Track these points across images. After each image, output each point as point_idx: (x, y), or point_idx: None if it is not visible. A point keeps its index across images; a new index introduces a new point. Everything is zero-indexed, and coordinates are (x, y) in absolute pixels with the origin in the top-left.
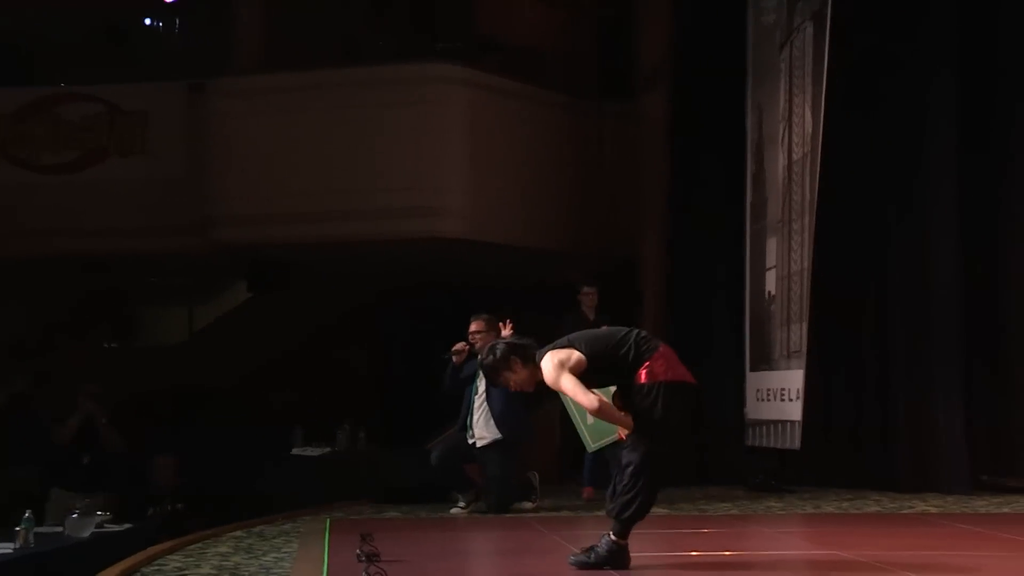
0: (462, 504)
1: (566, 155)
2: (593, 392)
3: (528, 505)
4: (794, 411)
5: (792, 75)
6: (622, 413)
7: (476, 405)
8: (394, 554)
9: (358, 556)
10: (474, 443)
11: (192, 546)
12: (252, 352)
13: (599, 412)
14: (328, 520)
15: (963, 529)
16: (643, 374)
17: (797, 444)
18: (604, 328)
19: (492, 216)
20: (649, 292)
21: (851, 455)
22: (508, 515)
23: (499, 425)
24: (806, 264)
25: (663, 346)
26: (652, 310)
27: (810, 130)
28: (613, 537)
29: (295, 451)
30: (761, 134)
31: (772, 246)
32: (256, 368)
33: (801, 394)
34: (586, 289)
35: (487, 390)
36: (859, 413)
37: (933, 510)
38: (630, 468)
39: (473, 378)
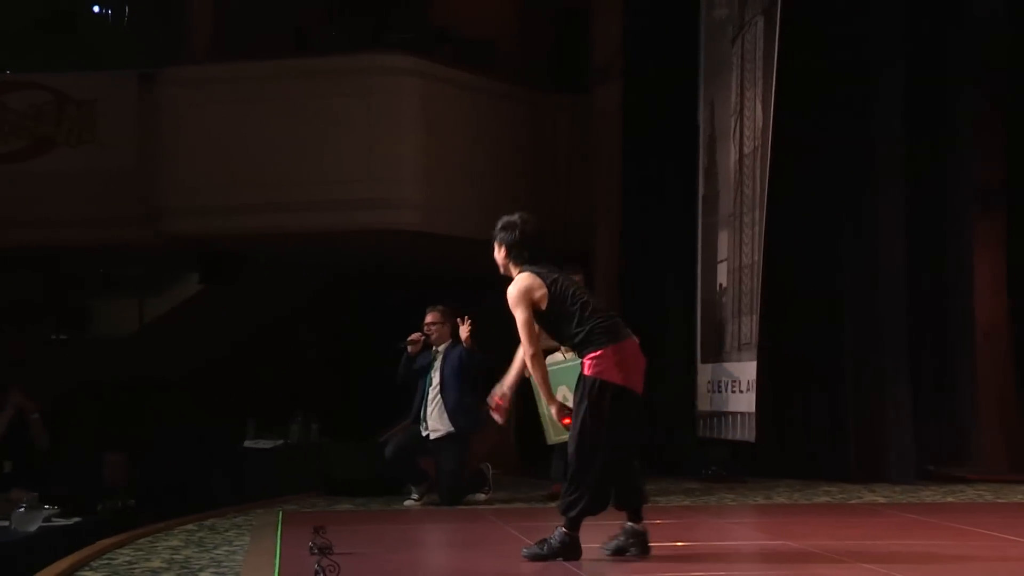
0: (415, 496)
1: (520, 147)
2: (536, 341)
3: (481, 497)
4: (747, 403)
5: (743, 69)
6: (551, 397)
7: (430, 398)
8: (347, 546)
9: (311, 549)
10: (427, 435)
11: (142, 539)
12: (204, 344)
13: (530, 360)
14: (281, 513)
15: (910, 518)
16: (587, 365)
17: (752, 436)
18: (588, 296)
19: (446, 207)
20: (601, 284)
21: (801, 447)
22: (462, 507)
23: (453, 418)
24: (756, 257)
25: (615, 345)
26: (604, 302)
27: (761, 124)
28: (564, 529)
29: (247, 443)
30: (713, 128)
31: (724, 239)
32: (208, 360)
33: (753, 386)
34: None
35: (441, 383)
36: (809, 405)
37: (881, 500)
38: (571, 468)
39: (427, 370)
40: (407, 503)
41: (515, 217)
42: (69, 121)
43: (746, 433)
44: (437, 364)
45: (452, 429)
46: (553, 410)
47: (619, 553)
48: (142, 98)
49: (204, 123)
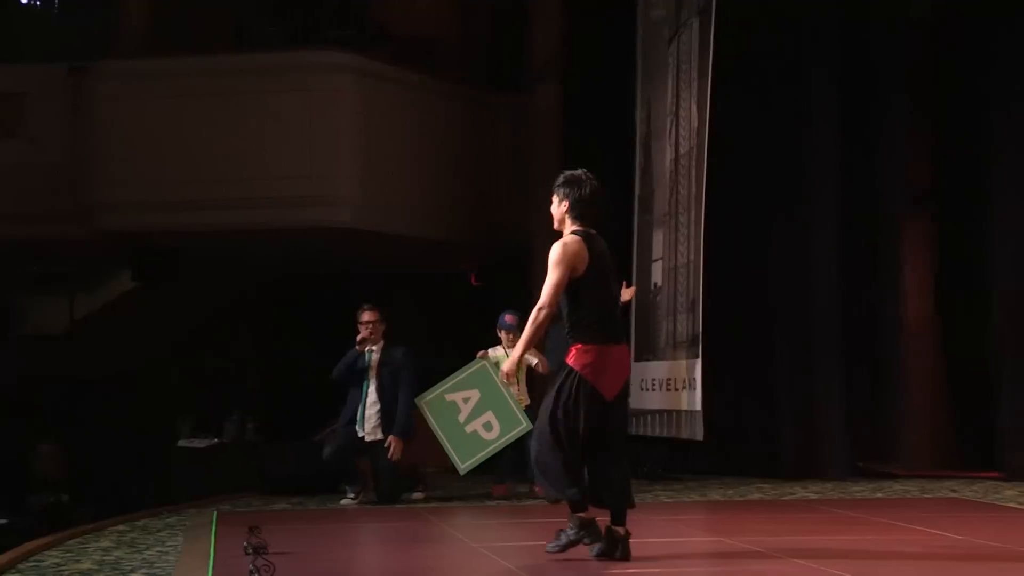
0: (352, 495)
1: (459, 146)
2: (554, 301)
3: (417, 495)
4: (688, 400)
5: (679, 70)
6: (541, 356)
7: (369, 401)
8: (282, 546)
9: (245, 548)
10: (363, 437)
11: (71, 541)
12: (137, 343)
13: (538, 317)
14: (215, 512)
15: (840, 514)
16: (573, 352)
17: (699, 434)
18: (605, 289)
19: (384, 206)
20: (539, 283)
21: (736, 445)
22: (398, 505)
23: (390, 421)
24: (691, 257)
25: (607, 347)
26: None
27: (696, 125)
28: (576, 514)
29: (181, 443)
30: (649, 128)
31: (659, 238)
32: (141, 359)
33: (696, 384)
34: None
35: (379, 385)
36: (743, 404)
37: (813, 496)
38: (535, 455)
39: (365, 372)
40: (343, 502)
41: (579, 172)
42: None
43: (692, 431)
44: (373, 365)
45: (390, 431)
46: (510, 365)
47: (566, 549)
48: (73, 92)
49: (138, 118)
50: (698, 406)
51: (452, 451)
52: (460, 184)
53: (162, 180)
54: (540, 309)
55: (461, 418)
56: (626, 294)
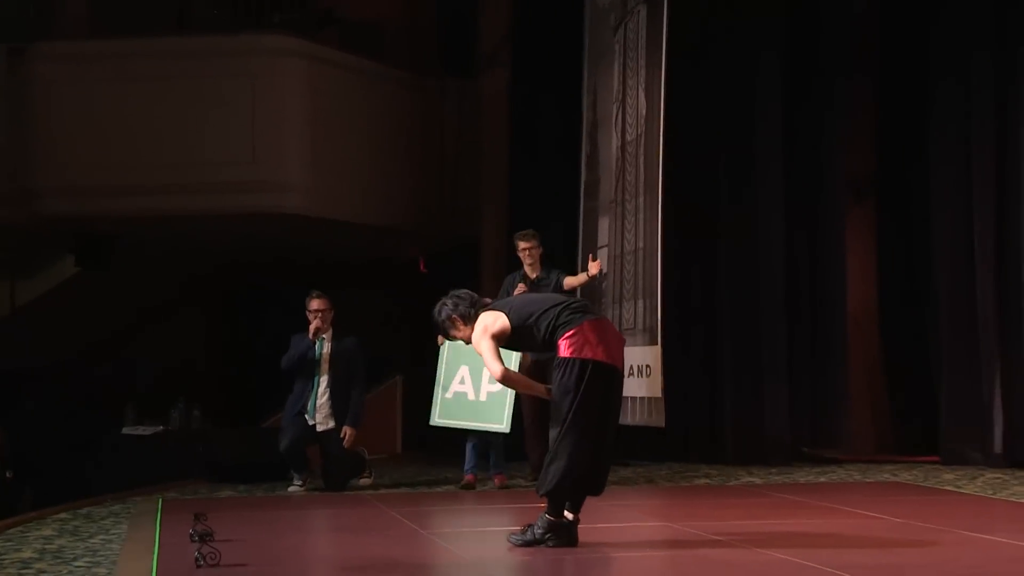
0: (299, 482)
1: (407, 132)
2: (500, 363)
3: (364, 481)
4: (642, 388)
5: (626, 57)
6: (534, 381)
7: (320, 391)
8: (229, 533)
9: (191, 536)
10: (314, 425)
11: (12, 530)
12: (81, 329)
13: (503, 381)
14: (160, 500)
15: (784, 499)
16: (562, 346)
17: (662, 422)
18: (542, 296)
19: (333, 192)
20: (487, 271)
21: (681, 431)
22: (346, 492)
23: (342, 411)
24: (641, 243)
25: (591, 321)
26: (491, 288)
27: (644, 112)
28: (548, 515)
29: (126, 430)
30: (596, 115)
31: (604, 225)
32: (85, 345)
33: (650, 371)
34: (522, 244)
35: (331, 375)
36: (688, 390)
37: (758, 481)
38: (553, 452)
39: (316, 362)
40: (291, 489)
41: (447, 300)
42: None
43: (648, 418)
44: (324, 355)
45: (343, 421)
46: (540, 388)
47: (529, 545)
48: (12, 73)
49: (79, 101)
50: (656, 393)
51: (438, 400)
52: (408, 170)
53: (104, 164)
54: (496, 378)
55: (471, 396)
56: (592, 267)
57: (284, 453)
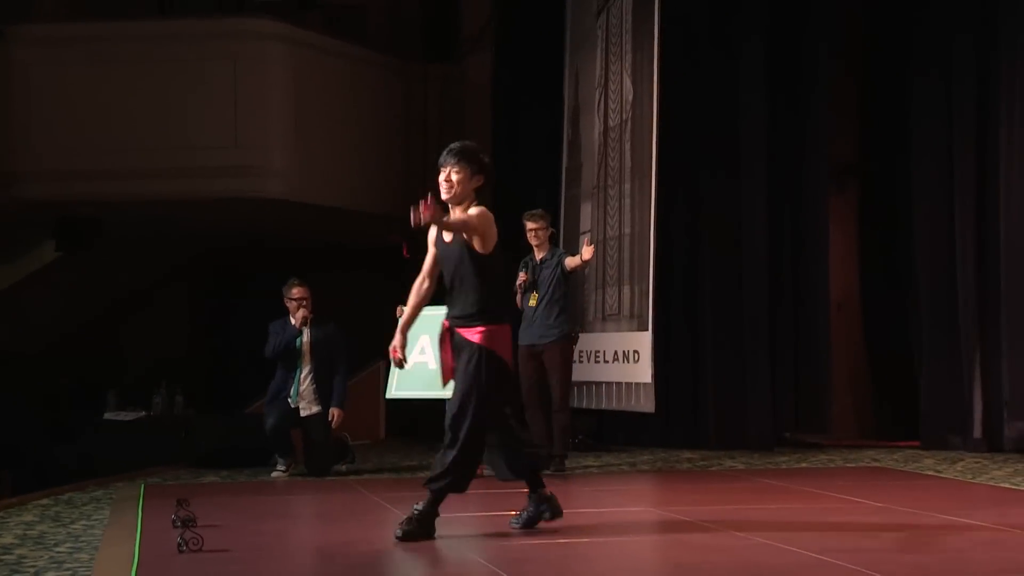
0: (282, 468)
1: (390, 117)
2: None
3: (347, 466)
4: (622, 373)
5: (609, 42)
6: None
7: (303, 376)
8: (211, 518)
9: (174, 522)
10: (297, 409)
11: None
12: (62, 315)
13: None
14: (143, 485)
15: (766, 484)
16: (482, 334)
17: (651, 407)
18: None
19: (315, 177)
20: None
21: (664, 416)
22: (328, 478)
23: (325, 396)
24: (626, 230)
25: (508, 325)
26: None
27: (630, 97)
28: (428, 504)
29: (108, 416)
30: (577, 100)
31: (587, 211)
32: (66, 331)
33: (647, 356)
34: (528, 225)
35: (314, 361)
36: (671, 375)
37: (740, 466)
38: (450, 439)
39: (298, 350)
40: (274, 475)
41: (475, 145)
42: None
43: (635, 403)
44: (305, 343)
45: (328, 404)
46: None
47: (531, 524)
48: None
49: (59, 84)
50: (648, 379)
51: (395, 373)
52: (391, 155)
53: (84, 148)
54: (463, 224)
55: (432, 365)
56: (587, 252)
57: (269, 435)
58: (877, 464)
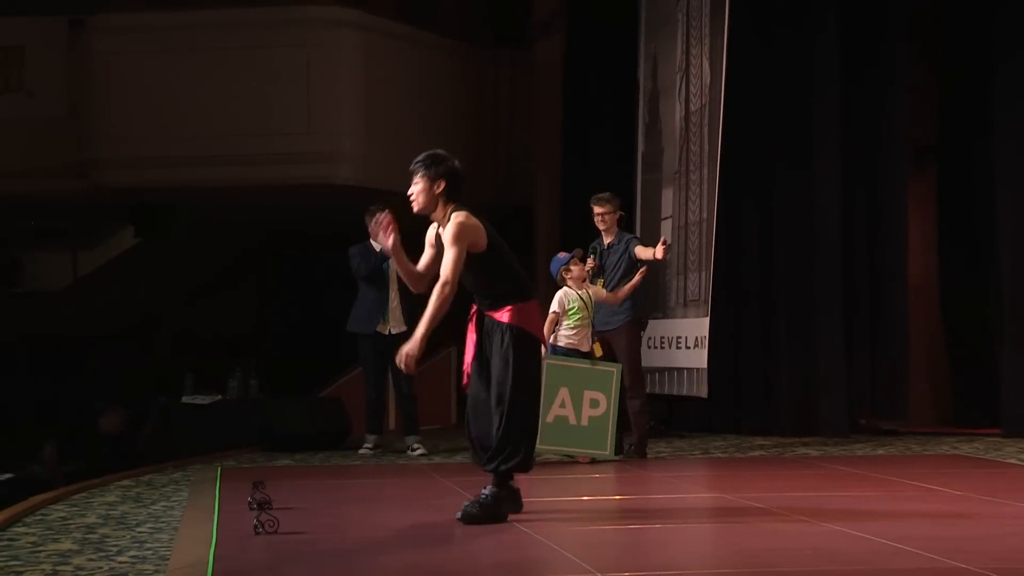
0: (369, 445)
1: (461, 102)
2: (456, 273)
3: (418, 450)
4: (697, 359)
5: (689, 26)
6: (424, 336)
7: (391, 297)
8: (286, 501)
9: (250, 504)
10: (389, 332)
11: (77, 495)
12: (140, 299)
13: (444, 295)
14: (219, 468)
15: (841, 471)
16: (511, 313)
17: (704, 392)
18: (512, 257)
19: (386, 163)
20: (541, 239)
21: (737, 402)
22: (401, 462)
23: (413, 315)
24: (704, 215)
25: (536, 301)
26: (546, 257)
27: (708, 81)
28: (495, 487)
29: (185, 399)
30: (655, 84)
31: (668, 196)
32: (144, 315)
33: (704, 342)
34: (595, 209)
35: (401, 288)
36: (743, 361)
37: (814, 453)
38: (503, 422)
39: (386, 274)
40: (361, 451)
41: (440, 151)
42: None
43: (695, 389)
44: (392, 268)
45: (412, 324)
46: (414, 347)
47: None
48: (72, 45)
49: (137, 72)
50: (703, 364)
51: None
52: (461, 140)
53: (160, 136)
54: (444, 285)
55: (572, 420)
56: (659, 251)
57: (369, 406)
58: (956, 452)
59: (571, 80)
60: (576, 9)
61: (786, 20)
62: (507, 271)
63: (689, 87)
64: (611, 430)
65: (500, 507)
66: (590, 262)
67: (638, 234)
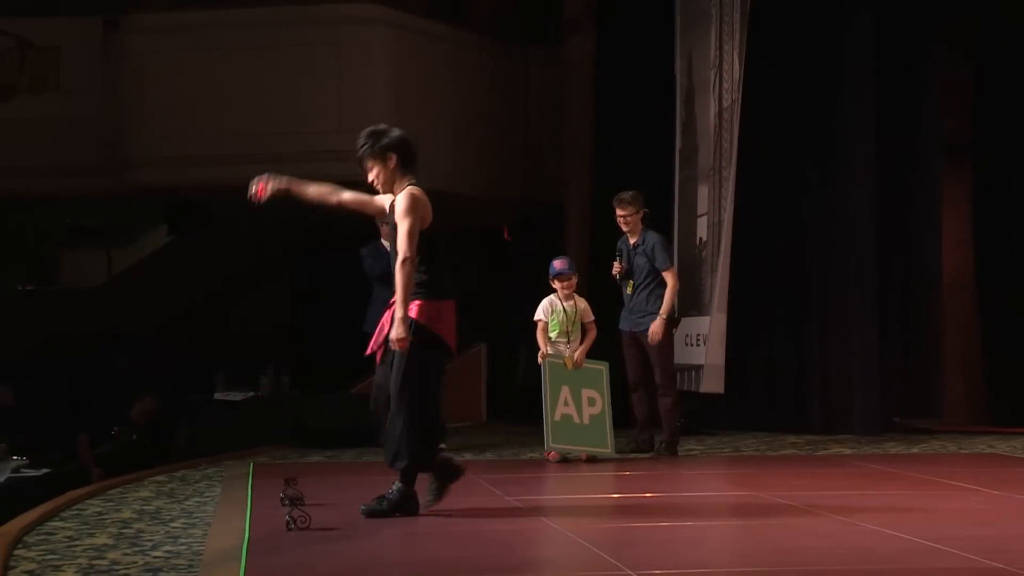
0: None
1: (491, 100)
2: (414, 247)
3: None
4: (714, 355)
5: (722, 21)
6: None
7: None
8: (318, 497)
9: (282, 500)
10: None
11: (112, 491)
12: (173, 296)
13: (406, 270)
14: (252, 464)
15: (875, 469)
16: (416, 308)
17: (720, 387)
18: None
19: (418, 160)
20: (572, 237)
21: (769, 399)
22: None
23: None
24: (729, 213)
25: (446, 302)
26: (576, 255)
27: (738, 77)
28: (400, 484)
29: (217, 396)
30: (691, 81)
31: (703, 193)
32: (177, 313)
33: (723, 338)
34: (617, 212)
35: None
36: (776, 358)
37: (847, 452)
38: (393, 415)
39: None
40: None
41: (380, 126)
42: (31, 67)
43: (712, 384)
44: None
45: None
46: (400, 331)
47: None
48: (106, 45)
49: (170, 71)
50: (721, 360)
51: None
52: (493, 138)
53: (194, 134)
54: (405, 261)
55: (576, 419)
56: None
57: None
58: (992, 451)
59: (602, 77)
60: (607, 6)
61: (819, 14)
62: (431, 262)
63: (722, 83)
64: (609, 427)
65: (404, 504)
66: (616, 266)
67: (676, 233)
